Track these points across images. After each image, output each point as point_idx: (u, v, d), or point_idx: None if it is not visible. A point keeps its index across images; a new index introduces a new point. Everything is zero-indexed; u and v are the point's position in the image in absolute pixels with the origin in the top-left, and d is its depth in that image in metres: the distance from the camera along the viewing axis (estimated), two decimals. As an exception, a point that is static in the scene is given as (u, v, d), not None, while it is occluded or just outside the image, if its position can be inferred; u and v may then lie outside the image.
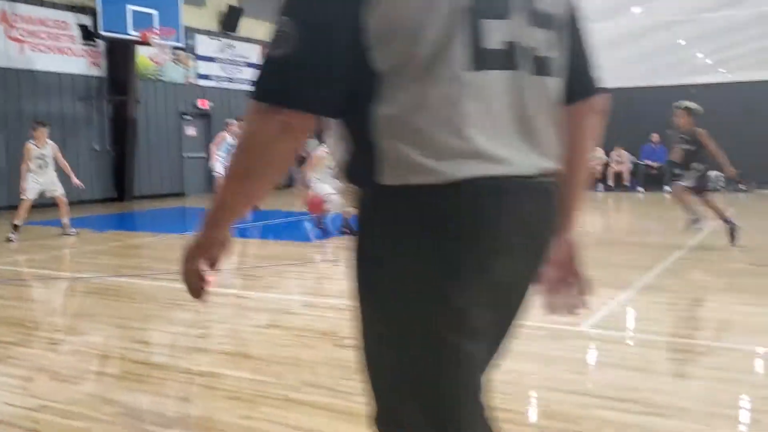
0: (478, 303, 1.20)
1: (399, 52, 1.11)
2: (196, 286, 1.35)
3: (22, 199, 8.57)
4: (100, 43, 14.46)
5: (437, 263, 1.15)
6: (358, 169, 1.21)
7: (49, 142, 8.89)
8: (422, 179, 1.13)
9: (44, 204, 12.96)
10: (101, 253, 8.08)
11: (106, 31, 13.30)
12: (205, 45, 17.18)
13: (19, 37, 13.22)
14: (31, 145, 8.75)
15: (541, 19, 1.23)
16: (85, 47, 14.39)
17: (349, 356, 3.81)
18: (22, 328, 4.59)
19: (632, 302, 5.12)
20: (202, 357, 3.90)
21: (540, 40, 1.23)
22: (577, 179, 1.44)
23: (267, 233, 9.89)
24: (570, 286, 1.53)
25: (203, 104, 17.08)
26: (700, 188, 7.79)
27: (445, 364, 1.20)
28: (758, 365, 3.67)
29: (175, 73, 16.39)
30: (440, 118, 1.13)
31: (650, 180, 16.19)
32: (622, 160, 16.65)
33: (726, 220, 7.61)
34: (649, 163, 16.26)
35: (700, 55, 17.14)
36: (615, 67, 17.48)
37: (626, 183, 16.49)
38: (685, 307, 4.94)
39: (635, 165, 16.53)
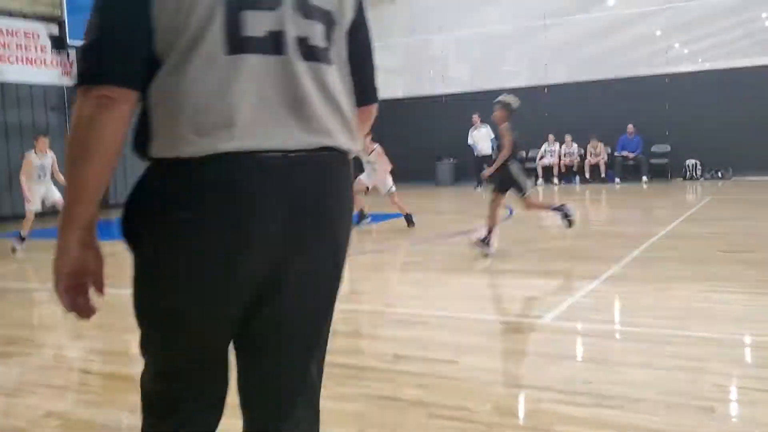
0: (215, 280, 1.30)
1: (168, 35, 1.26)
2: (79, 306, 1.36)
3: (29, 210, 8.35)
4: (72, 52, 14.34)
5: (183, 236, 1.29)
6: (138, 140, 1.32)
7: (49, 152, 8.69)
8: (183, 152, 1.25)
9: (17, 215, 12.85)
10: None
11: (72, 39, 13.16)
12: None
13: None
14: (32, 155, 8.58)
15: (312, 12, 1.36)
16: (57, 57, 14.25)
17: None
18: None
19: (597, 293, 5.09)
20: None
21: (312, 31, 1.36)
22: None
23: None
24: None
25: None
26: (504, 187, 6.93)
27: (166, 331, 1.39)
28: (718, 353, 3.64)
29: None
30: (200, 96, 1.25)
31: (627, 170, 16.22)
32: (599, 153, 16.66)
33: (556, 209, 7.27)
34: (626, 154, 16.30)
35: (676, 45, 17.19)
36: (591, 59, 17.53)
37: (603, 175, 16.49)
38: (648, 296, 4.92)
39: (611, 156, 16.54)
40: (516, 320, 4.61)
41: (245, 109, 1.26)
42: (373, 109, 1.62)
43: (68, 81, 14.51)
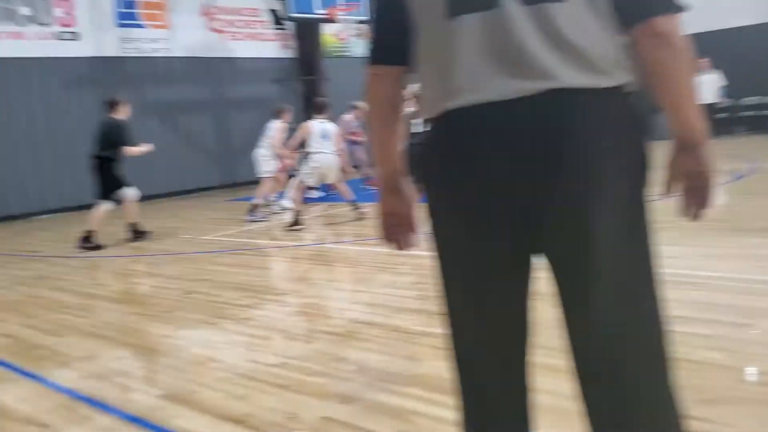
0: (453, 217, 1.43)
1: (414, 14, 1.45)
2: (394, 240, 1.67)
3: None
4: (289, 25, 15.23)
5: (432, 186, 1.47)
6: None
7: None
8: (428, 113, 1.45)
9: (250, 181, 14.05)
10: (306, 222, 8.55)
11: (294, 12, 13.92)
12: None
13: (219, 28, 14.29)
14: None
15: None
16: (276, 31, 15.23)
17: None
18: (252, 292, 4.97)
19: None
20: (418, 317, 3.95)
21: None
22: (666, 107, 1.37)
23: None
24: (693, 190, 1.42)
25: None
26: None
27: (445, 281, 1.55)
28: None
29: (358, 48, 16.85)
30: (429, 60, 1.44)
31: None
32: None
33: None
34: None
35: None
36: None
37: None
38: None
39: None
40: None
41: (464, 68, 1.35)
42: (657, 24, 1.30)
43: (288, 54, 15.45)
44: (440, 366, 3.12)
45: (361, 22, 15.28)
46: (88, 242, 7.42)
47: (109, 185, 7.56)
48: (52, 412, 2.96)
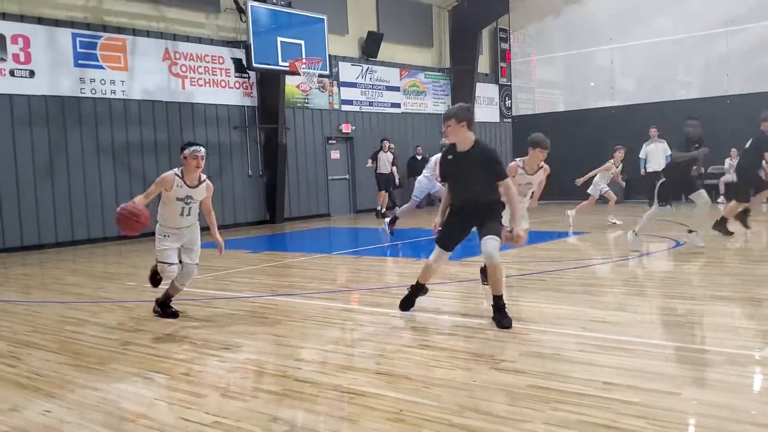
0: None
1: None
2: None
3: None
4: (252, 74, 15.38)
5: None
6: None
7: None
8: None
9: (204, 228, 13.89)
10: (257, 272, 8.47)
11: (258, 63, 14.07)
12: (347, 71, 17.77)
13: (180, 72, 14.33)
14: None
15: None
16: (239, 79, 15.35)
17: (509, 380, 3.69)
18: (192, 346, 4.87)
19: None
20: (358, 376, 3.93)
21: None
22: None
23: (413, 252, 9.94)
24: None
25: (347, 128, 17.67)
26: None
27: None
28: None
29: (320, 100, 17.07)
30: None
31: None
32: None
33: None
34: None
35: None
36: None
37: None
38: None
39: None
40: (732, 351, 4.26)
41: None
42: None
43: (248, 101, 15.55)
44: (376, 428, 3.10)
45: (322, 75, 15.53)
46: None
47: None
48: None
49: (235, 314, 5.99)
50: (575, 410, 3.12)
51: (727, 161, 16.09)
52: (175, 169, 5.77)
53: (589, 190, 12.25)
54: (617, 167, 12.19)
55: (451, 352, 4.37)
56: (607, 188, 12.25)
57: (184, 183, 5.70)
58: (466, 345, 4.57)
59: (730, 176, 15.85)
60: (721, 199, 15.89)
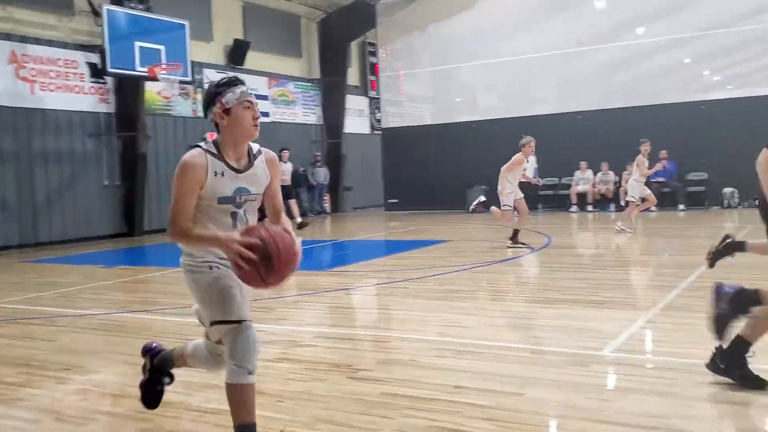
0: None
1: None
2: None
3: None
4: (109, 80, 14.60)
5: None
6: None
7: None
8: None
9: (55, 241, 12.98)
10: (109, 288, 8.00)
11: (114, 68, 13.39)
12: (212, 78, 17.31)
13: (29, 76, 13.36)
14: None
15: None
16: (94, 85, 14.53)
17: (364, 389, 3.69)
18: (27, 368, 4.49)
19: (653, 324, 4.96)
20: (213, 393, 3.78)
21: None
22: None
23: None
24: None
25: (211, 137, 17.05)
26: None
27: None
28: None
29: (183, 107, 16.50)
30: None
31: (663, 198, 15.99)
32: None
33: None
34: (660, 180, 16.07)
35: (705, 73, 17.07)
36: (623, 88, 17.45)
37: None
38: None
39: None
40: (572, 352, 4.50)
41: None
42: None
43: (104, 108, 14.75)
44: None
45: (183, 82, 15.03)
46: None
47: None
48: None
49: (80, 333, 5.60)
50: (425, 416, 3.17)
51: (577, 173, 17.19)
52: (201, 143, 3.08)
53: (628, 198, 11.85)
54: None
55: (310, 364, 4.31)
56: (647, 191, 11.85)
57: (226, 164, 3.00)
58: (326, 356, 4.53)
59: (581, 187, 17.00)
60: (573, 208, 16.92)
